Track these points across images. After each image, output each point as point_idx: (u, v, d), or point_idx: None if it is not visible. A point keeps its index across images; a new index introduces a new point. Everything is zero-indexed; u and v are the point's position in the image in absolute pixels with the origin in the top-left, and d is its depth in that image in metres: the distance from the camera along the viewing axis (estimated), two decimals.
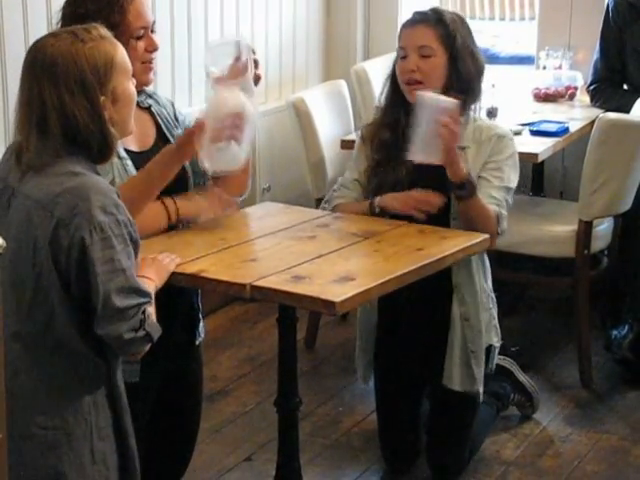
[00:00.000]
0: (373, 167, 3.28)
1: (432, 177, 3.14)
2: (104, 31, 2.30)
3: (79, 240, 2.18)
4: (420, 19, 3.24)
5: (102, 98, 2.24)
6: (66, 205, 2.19)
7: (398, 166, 3.21)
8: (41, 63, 2.23)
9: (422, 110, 3.02)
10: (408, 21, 3.29)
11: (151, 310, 2.29)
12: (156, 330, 2.29)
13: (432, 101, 3.02)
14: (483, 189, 3.19)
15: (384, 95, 3.32)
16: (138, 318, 2.23)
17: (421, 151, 3.04)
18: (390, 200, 3.17)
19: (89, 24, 2.32)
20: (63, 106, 2.21)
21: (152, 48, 2.82)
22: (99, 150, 2.27)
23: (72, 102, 2.21)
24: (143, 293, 2.26)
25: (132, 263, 2.25)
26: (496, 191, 3.21)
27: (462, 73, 3.20)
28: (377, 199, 3.19)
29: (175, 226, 2.88)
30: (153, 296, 2.35)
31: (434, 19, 3.21)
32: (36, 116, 2.24)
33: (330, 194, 3.38)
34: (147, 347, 2.30)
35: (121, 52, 2.30)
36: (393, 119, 3.26)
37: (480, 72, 3.26)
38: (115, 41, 2.31)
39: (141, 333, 2.24)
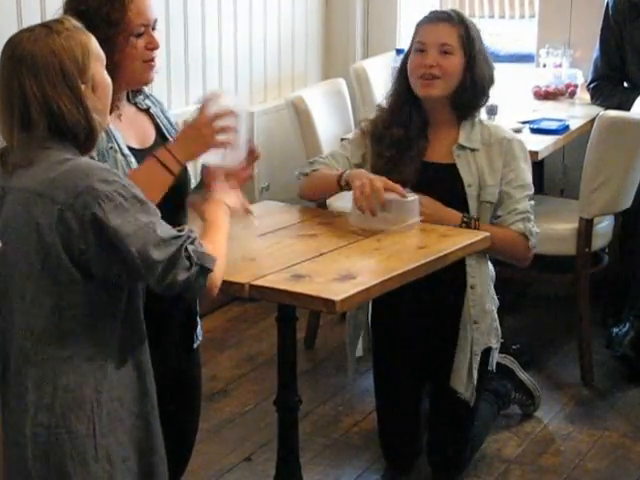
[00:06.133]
0: (384, 164, 3.24)
1: (442, 177, 3.14)
2: (75, 22, 2.29)
3: (90, 217, 2.15)
4: (443, 18, 3.25)
5: (83, 87, 2.24)
6: (65, 188, 2.17)
7: (407, 165, 3.20)
8: (19, 57, 2.23)
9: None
10: (428, 18, 3.29)
11: (197, 241, 2.25)
12: (209, 259, 2.25)
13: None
14: (508, 206, 3.22)
15: (392, 92, 3.31)
16: (183, 259, 2.21)
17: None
18: (355, 176, 3.02)
19: (60, 17, 2.33)
20: (46, 98, 2.20)
21: (153, 46, 2.78)
22: (85, 139, 2.25)
23: (55, 93, 2.20)
24: (177, 236, 2.23)
25: (153, 217, 2.21)
26: (520, 204, 3.23)
27: (477, 77, 3.21)
28: (346, 172, 3.08)
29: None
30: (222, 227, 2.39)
31: (457, 20, 3.23)
32: (18, 111, 2.22)
33: (315, 159, 3.34)
34: (211, 279, 2.26)
35: (94, 40, 2.29)
36: (405, 117, 3.25)
37: (492, 79, 3.28)
38: (87, 31, 2.29)
39: (194, 270, 2.22)
